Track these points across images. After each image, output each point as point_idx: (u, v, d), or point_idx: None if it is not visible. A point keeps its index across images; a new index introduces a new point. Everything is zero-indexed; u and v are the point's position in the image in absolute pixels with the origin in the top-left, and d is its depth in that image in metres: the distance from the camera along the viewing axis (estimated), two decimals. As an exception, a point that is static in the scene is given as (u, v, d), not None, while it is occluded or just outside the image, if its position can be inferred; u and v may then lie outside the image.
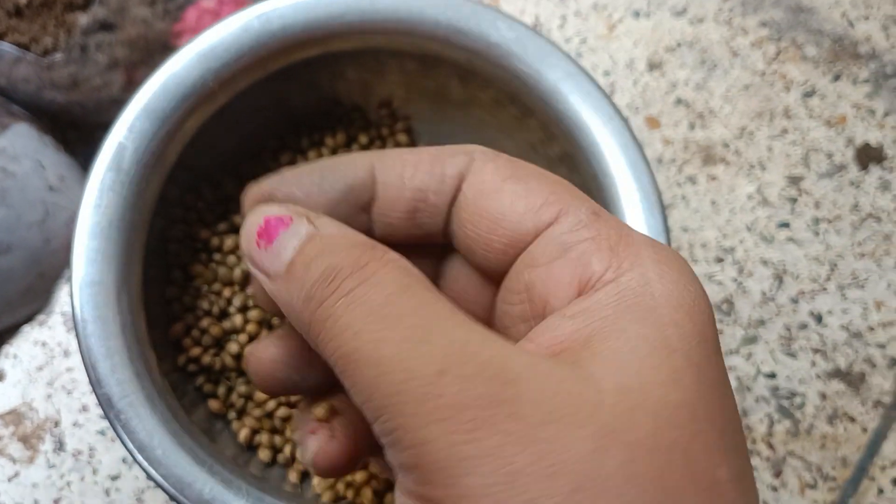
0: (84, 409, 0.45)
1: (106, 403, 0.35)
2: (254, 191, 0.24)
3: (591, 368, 0.18)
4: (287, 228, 0.22)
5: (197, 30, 0.52)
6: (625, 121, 0.39)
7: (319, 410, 0.24)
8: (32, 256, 0.47)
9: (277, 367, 0.25)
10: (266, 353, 0.25)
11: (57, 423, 0.45)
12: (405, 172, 0.24)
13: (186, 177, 0.43)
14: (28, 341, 0.46)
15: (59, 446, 0.44)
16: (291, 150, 0.46)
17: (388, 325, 0.19)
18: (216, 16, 0.53)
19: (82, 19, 0.49)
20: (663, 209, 0.39)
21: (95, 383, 0.35)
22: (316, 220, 0.23)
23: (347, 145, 0.46)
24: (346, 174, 0.24)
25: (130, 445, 0.35)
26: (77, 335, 0.36)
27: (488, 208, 0.24)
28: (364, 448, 0.24)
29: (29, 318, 0.48)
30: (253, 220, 0.23)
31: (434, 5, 0.40)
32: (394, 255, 0.21)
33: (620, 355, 0.18)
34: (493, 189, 0.24)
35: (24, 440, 0.44)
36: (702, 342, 0.19)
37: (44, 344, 0.46)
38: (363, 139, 0.46)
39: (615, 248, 0.21)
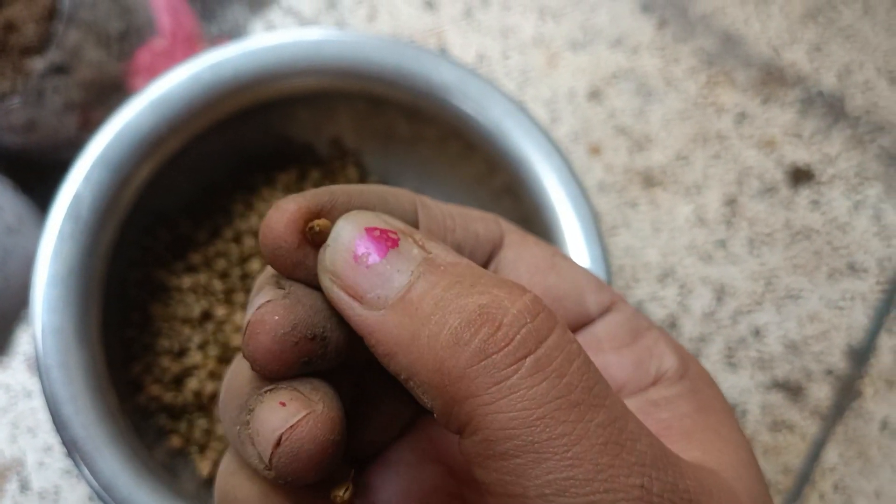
0: (48, 449, 0.46)
1: (71, 446, 0.36)
2: (292, 206, 0.20)
3: (724, 477, 0.20)
4: (397, 248, 0.19)
5: (150, 70, 0.54)
6: (563, 156, 0.41)
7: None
8: (-9, 298, 0.48)
9: (299, 333, 0.19)
10: (285, 315, 0.19)
11: (22, 464, 0.46)
12: (447, 223, 0.23)
13: (143, 219, 0.44)
14: (-10, 384, 0.47)
15: (25, 486, 0.45)
16: (244, 187, 0.47)
17: (581, 415, 0.17)
18: (169, 57, 0.55)
19: (38, 64, 0.50)
20: (602, 239, 0.41)
21: (60, 427, 0.37)
22: (426, 243, 0.20)
23: (299, 181, 0.48)
24: (395, 208, 0.21)
25: (96, 485, 0.36)
26: (41, 381, 0.37)
27: (548, 285, 0.23)
28: (343, 442, 0.20)
29: (-10, 360, 0.48)
30: (350, 230, 0.19)
31: (379, 49, 0.42)
32: (551, 309, 0.19)
33: (732, 461, 0.21)
34: (548, 266, 0.23)
35: (-10, 483, 0.45)
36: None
37: (7, 386, 0.47)
38: (315, 174, 0.48)
39: (673, 343, 0.24)
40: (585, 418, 0.17)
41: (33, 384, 0.47)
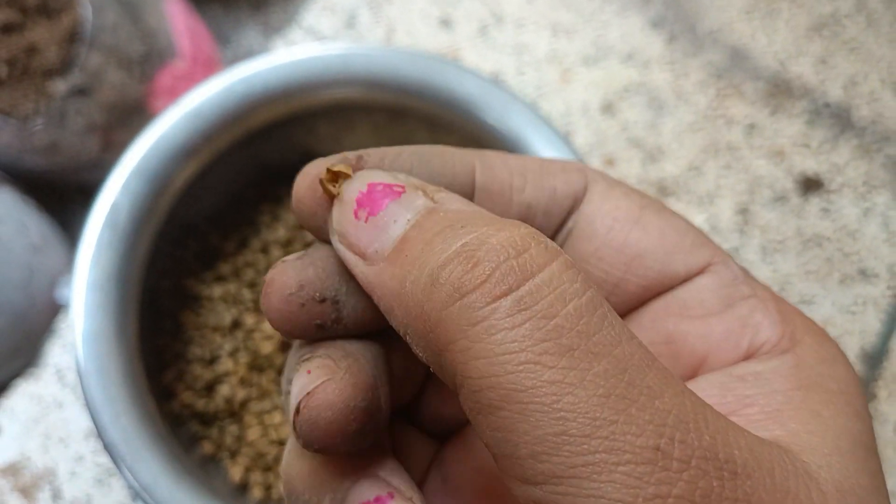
0: (80, 458, 0.47)
1: (111, 448, 0.37)
2: (314, 169, 0.20)
3: (804, 460, 0.17)
4: (398, 199, 0.18)
5: (171, 92, 0.55)
6: (583, 161, 0.43)
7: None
8: (18, 317, 0.49)
9: (306, 294, 0.19)
10: (293, 276, 0.19)
11: (54, 474, 0.46)
12: (514, 182, 0.21)
13: (174, 231, 0.45)
14: (23, 395, 0.48)
15: (58, 496, 0.46)
16: (270, 199, 0.49)
17: (575, 362, 0.15)
18: (189, 79, 0.56)
19: (60, 86, 0.51)
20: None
21: (100, 429, 0.37)
22: (435, 194, 0.18)
23: (324, 195, 0.49)
24: (443, 170, 0.20)
25: (137, 486, 0.37)
26: (81, 384, 0.38)
27: (628, 241, 0.20)
28: (375, 410, 0.19)
29: (16, 374, 0.49)
30: (352, 188, 0.18)
31: (404, 62, 0.43)
32: (557, 246, 0.17)
33: (826, 447, 0.17)
34: (631, 219, 0.21)
35: (24, 491, 0.46)
36: (872, 434, 0.19)
37: (38, 397, 0.48)
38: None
39: (782, 313, 0.20)
40: (580, 366, 0.15)
41: (64, 395, 0.48)
